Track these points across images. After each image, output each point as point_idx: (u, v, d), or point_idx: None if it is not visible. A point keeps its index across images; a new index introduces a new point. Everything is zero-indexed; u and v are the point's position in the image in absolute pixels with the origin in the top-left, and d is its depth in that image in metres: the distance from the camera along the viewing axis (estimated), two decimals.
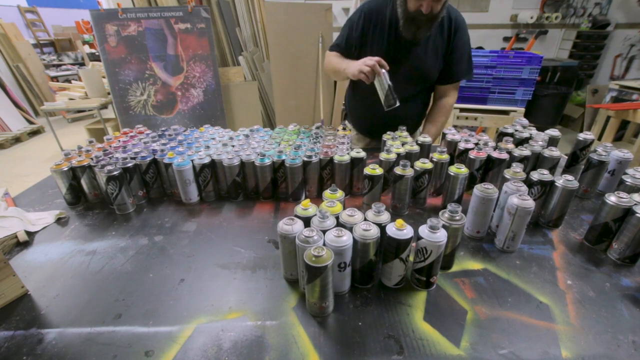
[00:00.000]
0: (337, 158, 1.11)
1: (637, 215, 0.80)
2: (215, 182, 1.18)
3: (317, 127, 1.45)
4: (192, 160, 1.13)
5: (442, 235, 0.72)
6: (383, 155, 1.11)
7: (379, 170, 1.02)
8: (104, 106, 4.03)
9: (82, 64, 6.62)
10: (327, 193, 0.90)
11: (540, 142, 1.20)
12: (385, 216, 0.79)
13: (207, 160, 1.13)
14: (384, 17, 1.39)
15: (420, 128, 1.70)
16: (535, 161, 1.18)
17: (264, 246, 0.95)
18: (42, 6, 6.80)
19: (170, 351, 0.65)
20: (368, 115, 1.61)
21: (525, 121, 1.44)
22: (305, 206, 0.80)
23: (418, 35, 1.33)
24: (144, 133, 1.46)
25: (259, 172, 1.13)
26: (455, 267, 0.85)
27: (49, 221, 1.08)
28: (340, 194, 0.90)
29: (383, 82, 1.24)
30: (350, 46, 1.46)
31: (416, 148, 1.21)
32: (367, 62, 1.24)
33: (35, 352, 0.66)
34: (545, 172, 0.96)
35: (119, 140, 1.34)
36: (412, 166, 1.04)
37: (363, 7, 1.42)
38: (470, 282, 0.81)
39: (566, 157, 1.31)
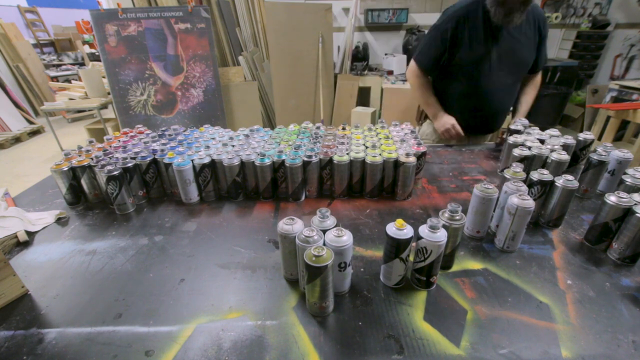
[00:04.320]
0: (336, 158, 1.11)
1: (637, 215, 0.80)
2: (215, 182, 1.18)
3: (317, 127, 1.45)
4: (192, 160, 1.13)
5: (442, 235, 0.72)
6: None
7: None
8: (104, 106, 4.03)
9: (82, 64, 6.62)
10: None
11: (557, 147, 1.15)
12: (330, 221, 0.77)
13: (207, 160, 1.13)
14: (477, 17, 1.45)
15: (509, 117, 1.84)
16: (542, 165, 1.16)
17: (264, 246, 0.95)
18: (42, 6, 6.80)
19: (170, 351, 0.65)
20: (466, 114, 1.64)
21: (525, 121, 1.44)
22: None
23: (511, 20, 1.40)
24: (144, 133, 1.46)
25: (259, 172, 1.13)
26: (455, 267, 0.85)
27: (49, 221, 1.08)
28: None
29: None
30: (437, 64, 1.59)
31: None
32: (451, 133, 1.60)
33: (35, 352, 0.66)
34: (545, 172, 0.96)
35: (119, 140, 1.34)
36: None
37: (453, 14, 1.48)
38: (470, 282, 0.81)
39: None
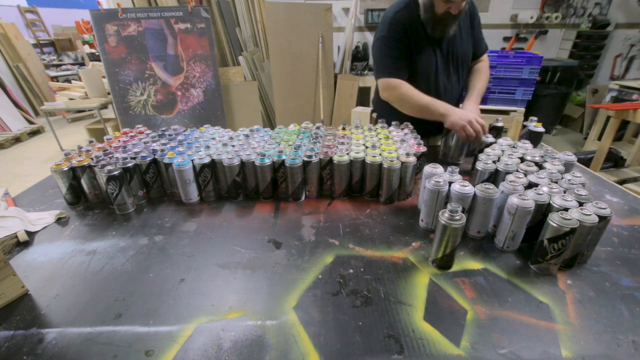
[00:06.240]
0: (336, 158, 1.11)
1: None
2: (215, 182, 1.18)
3: (317, 127, 1.45)
4: (192, 160, 1.13)
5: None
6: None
7: None
8: (104, 106, 4.03)
9: (82, 64, 6.62)
10: None
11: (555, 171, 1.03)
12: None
13: (207, 160, 1.13)
14: (417, 24, 1.41)
15: None
16: None
17: (264, 246, 0.95)
18: (42, 6, 6.80)
19: (170, 351, 0.65)
20: (416, 118, 1.47)
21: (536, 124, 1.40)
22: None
23: (446, 34, 1.41)
24: (144, 133, 1.46)
25: (259, 172, 1.13)
26: (455, 267, 0.85)
27: (49, 221, 1.08)
28: None
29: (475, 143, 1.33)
30: (404, 60, 1.44)
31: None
32: (475, 125, 1.27)
33: (35, 352, 0.66)
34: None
35: (119, 140, 1.34)
36: None
37: (397, 23, 1.40)
38: (470, 282, 0.81)
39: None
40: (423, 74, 1.48)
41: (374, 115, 1.82)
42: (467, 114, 1.30)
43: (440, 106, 1.37)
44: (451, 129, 1.34)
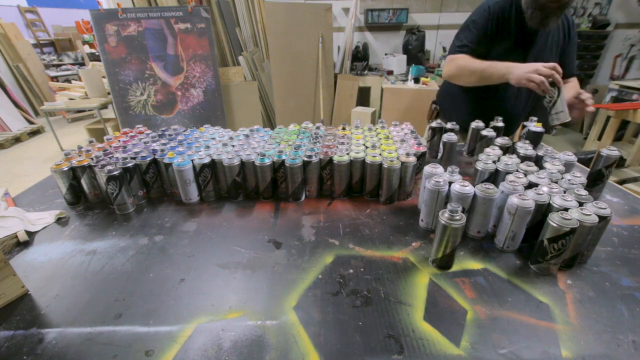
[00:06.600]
0: (336, 158, 1.11)
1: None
2: (215, 182, 1.18)
3: (317, 127, 1.45)
4: (192, 160, 1.13)
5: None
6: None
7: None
8: (104, 106, 4.03)
9: (82, 64, 6.63)
10: None
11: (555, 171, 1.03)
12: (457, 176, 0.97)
13: (207, 160, 1.13)
14: (510, 17, 1.38)
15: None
16: None
17: (264, 246, 0.95)
18: (42, 6, 6.80)
19: (170, 351, 0.65)
20: (480, 117, 1.44)
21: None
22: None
23: (546, 24, 1.33)
24: (144, 133, 1.46)
25: (259, 172, 1.13)
26: (455, 267, 0.85)
27: (49, 221, 1.08)
28: None
29: (555, 96, 1.06)
30: (480, 47, 1.41)
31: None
32: (542, 71, 1.11)
33: (35, 352, 0.66)
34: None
35: (119, 140, 1.34)
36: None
37: (490, 7, 1.38)
38: (470, 282, 0.81)
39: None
40: None
41: (433, 106, 1.86)
42: (530, 64, 1.18)
43: (501, 66, 1.28)
44: (517, 84, 1.22)
